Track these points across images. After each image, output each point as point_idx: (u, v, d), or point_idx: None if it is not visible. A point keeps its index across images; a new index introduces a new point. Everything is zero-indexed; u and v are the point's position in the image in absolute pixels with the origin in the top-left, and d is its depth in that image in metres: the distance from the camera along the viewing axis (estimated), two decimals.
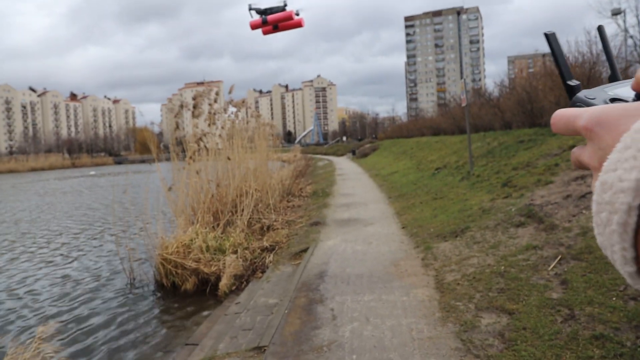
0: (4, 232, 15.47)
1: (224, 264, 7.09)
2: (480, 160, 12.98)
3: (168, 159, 9.74)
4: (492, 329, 3.93)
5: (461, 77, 13.02)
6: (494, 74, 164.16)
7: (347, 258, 6.82)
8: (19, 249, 12.30)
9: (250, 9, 4.93)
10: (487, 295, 4.60)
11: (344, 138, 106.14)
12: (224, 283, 6.75)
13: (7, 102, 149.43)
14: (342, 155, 52.64)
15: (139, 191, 22.58)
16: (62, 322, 6.46)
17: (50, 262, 10.60)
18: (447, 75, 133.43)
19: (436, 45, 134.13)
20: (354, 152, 46.15)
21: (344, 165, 32.65)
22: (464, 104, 12.99)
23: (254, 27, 4.53)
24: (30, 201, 28.16)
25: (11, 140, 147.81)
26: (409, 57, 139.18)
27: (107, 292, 8.00)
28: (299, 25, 4.92)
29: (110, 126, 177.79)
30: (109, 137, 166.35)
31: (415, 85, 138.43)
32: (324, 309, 4.91)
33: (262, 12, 4.63)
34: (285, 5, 4.79)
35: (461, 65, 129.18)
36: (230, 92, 11.94)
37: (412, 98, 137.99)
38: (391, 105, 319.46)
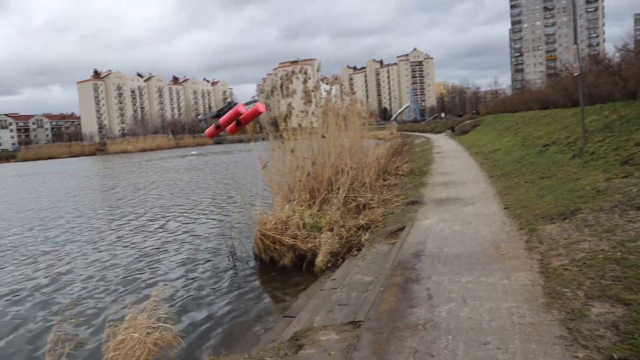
0: (135, 205, 17.38)
1: (320, 241, 7.37)
2: (595, 136, 11.99)
3: (264, 139, 10.21)
4: (604, 320, 3.72)
5: (574, 43, 11.93)
6: (615, 36, 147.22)
7: (445, 238, 6.76)
8: (142, 219, 13.74)
9: (199, 120, 4.83)
10: (599, 283, 4.35)
11: (442, 114, 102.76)
12: (320, 260, 7.02)
13: (119, 88, 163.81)
14: (440, 132, 51.15)
15: (238, 169, 23.95)
16: (173, 288, 7.18)
17: (165, 231, 12.02)
18: (558, 41, 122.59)
19: (545, 9, 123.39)
20: (453, 129, 44.58)
21: (442, 142, 31.77)
22: (576, 73, 12.01)
23: (210, 135, 4.47)
24: (151, 177, 31.09)
25: (123, 123, 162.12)
26: (513, 23, 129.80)
27: (211, 263, 8.76)
28: (257, 112, 4.71)
29: (209, 107, 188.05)
30: None
31: (521, 54, 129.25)
32: (419, 288, 4.96)
33: (215, 117, 4.46)
34: (231, 101, 4.56)
35: (575, 29, 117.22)
36: (318, 70, 12.05)
37: (517, 69, 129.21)
38: (493, 78, 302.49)
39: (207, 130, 4.59)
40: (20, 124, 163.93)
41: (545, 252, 5.47)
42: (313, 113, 10.25)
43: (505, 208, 8.25)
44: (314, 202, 8.99)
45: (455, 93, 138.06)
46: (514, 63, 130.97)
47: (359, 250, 7.19)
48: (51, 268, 9.35)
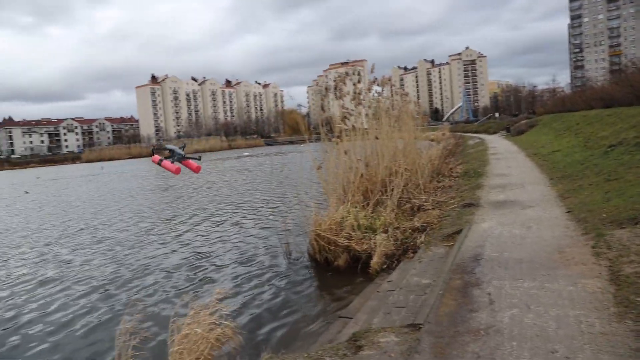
0: (193, 204, 18.09)
1: (375, 242, 7.34)
2: None
3: (316, 140, 10.27)
4: None
5: None
6: None
7: (504, 242, 6.57)
8: (201, 218, 14.19)
9: (153, 149, 4.81)
10: None
11: (496, 114, 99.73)
12: (375, 261, 7.00)
13: (175, 91, 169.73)
14: (494, 133, 49.65)
15: (292, 170, 24.28)
16: (232, 285, 7.37)
17: (223, 230, 12.45)
18: (623, 35, 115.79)
19: (609, 1, 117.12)
20: (508, 129, 43.17)
21: (497, 143, 30.84)
22: None
23: (154, 161, 4.46)
24: (207, 177, 32.11)
25: (178, 125, 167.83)
26: (573, 18, 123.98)
27: (267, 262, 8.94)
28: (192, 168, 4.90)
29: (261, 109, 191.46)
30: (260, 119, 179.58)
31: (581, 50, 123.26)
32: (480, 293, 4.84)
33: (171, 153, 4.51)
34: (182, 155, 4.63)
35: None
36: (372, 72, 12.01)
37: (577, 66, 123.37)
38: (551, 76, 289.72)
39: (153, 157, 4.73)
40: (85, 127, 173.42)
41: (615, 259, 5.21)
42: (367, 114, 10.23)
43: (568, 212, 7.91)
44: (368, 204, 8.97)
45: (509, 92, 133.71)
46: (573, 60, 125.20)
47: (414, 252, 7.11)
48: (117, 264, 9.81)
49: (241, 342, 4.50)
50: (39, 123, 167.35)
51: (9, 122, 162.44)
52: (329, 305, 6.50)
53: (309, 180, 9.99)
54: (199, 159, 5.15)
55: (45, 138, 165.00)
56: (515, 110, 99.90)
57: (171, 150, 4.83)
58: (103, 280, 8.72)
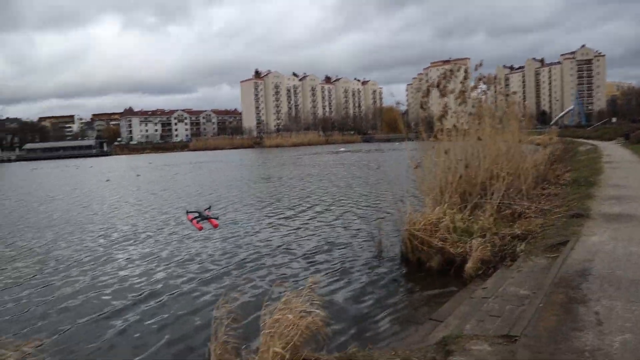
0: (291, 195, 19.10)
1: (471, 246, 7.07)
2: None
3: (414, 138, 10.10)
4: None
5: None
6: None
7: (617, 259, 6.00)
8: (298, 209, 14.67)
9: (187, 212, 6.46)
10: None
11: (613, 119, 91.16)
12: (470, 266, 6.74)
13: (276, 86, 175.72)
14: (609, 139, 45.33)
15: (389, 168, 24.21)
16: (324, 277, 7.52)
17: (318, 222, 12.89)
18: None
19: None
20: (626, 136, 39.14)
21: (613, 151, 28.19)
22: None
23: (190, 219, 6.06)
24: (306, 170, 33.16)
25: (278, 119, 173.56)
26: None
27: (359, 257, 9.00)
28: (214, 226, 6.66)
29: (359, 106, 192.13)
30: (358, 116, 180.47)
31: None
32: (586, 311, 4.47)
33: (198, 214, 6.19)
34: (206, 215, 6.37)
35: None
36: (476, 69, 11.48)
37: None
38: None
39: (187, 216, 6.49)
40: (193, 118, 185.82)
41: None
42: (470, 113, 9.84)
43: None
44: (466, 206, 8.65)
45: (631, 95, 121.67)
46: None
47: (513, 260, 6.74)
48: (219, 249, 10.41)
49: (329, 332, 4.54)
50: (154, 113, 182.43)
51: (129, 112, 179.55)
52: (418, 306, 6.39)
53: (405, 179, 9.85)
54: (217, 218, 6.60)
55: (159, 127, 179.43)
56: (637, 116, 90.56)
57: (199, 213, 6.16)
58: (206, 262, 9.30)
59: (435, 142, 9.59)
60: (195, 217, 6.10)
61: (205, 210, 6.47)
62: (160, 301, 7.21)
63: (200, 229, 6.04)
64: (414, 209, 8.54)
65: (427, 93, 9.69)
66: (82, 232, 13.02)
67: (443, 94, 9.31)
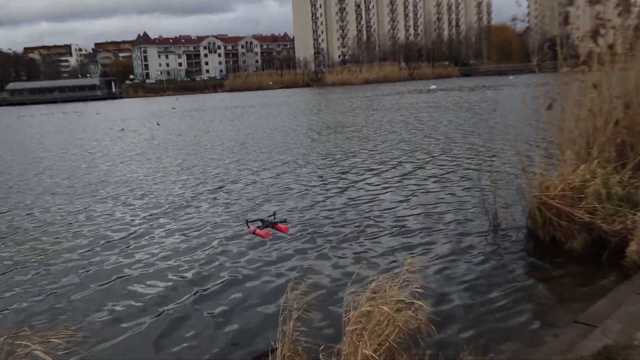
0: (370, 148, 19.36)
1: (635, 222, 6.76)
2: None
3: (539, 69, 9.64)
4: None
5: None
6: None
7: None
8: (384, 165, 14.75)
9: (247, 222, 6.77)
10: None
11: None
12: (633, 250, 6.47)
13: (341, 1, 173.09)
14: None
15: (507, 111, 23.57)
16: (422, 257, 7.54)
17: (411, 185, 13.16)
18: None
19: None
20: None
21: None
22: None
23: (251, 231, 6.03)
24: (386, 115, 33.16)
25: (343, 47, 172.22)
26: None
27: (468, 232, 8.96)
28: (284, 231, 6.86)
29: (457, 26, 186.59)
30: (455, 40, 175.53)
31: None
32: None
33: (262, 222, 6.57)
34: (273, 221, 6.66)
35: None
36: None
37: None
38: None
39: (249, 229, 6.45)
40: (229, 47, 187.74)
41: None
42: (637, 28, 9.23)
43: None
44: (625, 165, 8.23)
45: None
46: None
47: None
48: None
49: (433, 331, 4.53)
50: (176, 41, 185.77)
51: (143, 40, 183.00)
52: (557, 304, 6.24)
53: (531, 127, 9.49)
54: (285, 221, 6.89)
55: (183, 60, 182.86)
56: None
57: (262, 220, 6.65)
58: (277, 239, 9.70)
59: (580, 73, 9.10)
60: (259, 227, 6.42)
61: (269, 217, 6.75)
62: (210, 286, 7.52)
63: (267, 235, 6.31)
64: (546, 169, 8.34)
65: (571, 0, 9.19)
66: (105, 201, 13.68)
67: (595, 1, 8.77)
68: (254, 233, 6.25)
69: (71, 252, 9.41)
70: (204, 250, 9.03)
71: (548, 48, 9.61)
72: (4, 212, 12.97)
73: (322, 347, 4.50)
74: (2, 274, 8.51)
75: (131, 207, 12.61)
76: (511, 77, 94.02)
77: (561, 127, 9.02)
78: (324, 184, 14.04)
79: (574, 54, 9.45)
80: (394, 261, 7.65)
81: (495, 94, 47.27)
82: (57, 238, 10.39)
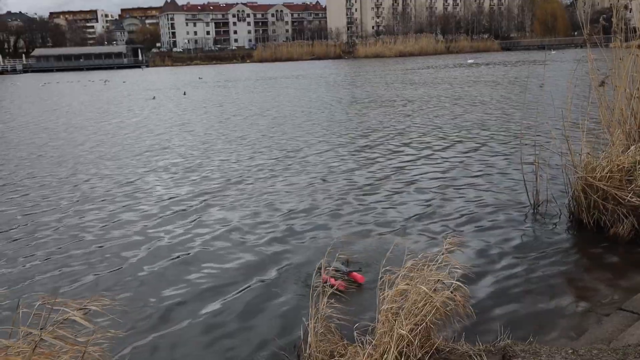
0: (421, 122, 19.49)
1: None
2: None
3: (591, 44, 9.41)
4: None
5: None
6: None
7: None
8: (420, 140, 14.71)
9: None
10: None
11: None
12: None
13: None
14: None
15: (553, 87, 23.28)
16: (461, 236, 7.45)
17: (447, 158, 13.46)
18: None
19: None
20: None
21: None
22: None
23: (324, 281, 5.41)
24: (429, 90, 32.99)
25: (378, 17, 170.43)
26: None
27: (507, 213, 8.93)
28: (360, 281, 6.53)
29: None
30: (496, 12, 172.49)
31: None
32: None
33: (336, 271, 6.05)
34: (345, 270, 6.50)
35: None
36: None
37: None
38: None
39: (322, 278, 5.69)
40: (258, 16, 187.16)
41: None
42: None
43: None
44: None
45: None
46: None
47: None
48: (316, 193, 10.95)
49: (471, 313, 4.52)
50: (204, 8, 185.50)
51: (171, 6, 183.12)
52: (600, 290, 6.15)
53: (579, 104, 9.30)
54: (360, 270, 6.61)
55: (212, 28, 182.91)
56: None
57: (335, 268, 6.12)
58: (298, 204, 9.99)
59: (635, 48, 8.88)
60: (333, 277, 6.30)
61: (343, 263, 6.66)
62: (244, 256, 7.67)
63: (344, 287, 6.18)
64: (593, 148, 8.20)
65: None
66: (156, 172, 13.78)
67: None
68: (326, 282, 6.13)
69: (130, 224, 9.47)
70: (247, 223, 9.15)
71: (604, 20, 9.33)
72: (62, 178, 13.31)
73: (356, 325, 4.53)
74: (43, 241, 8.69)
75: (184, 180, 12.63)
76: (553, 52, 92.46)
77: (612, 105, 8.84)
78: (355, 157, 14.18)
79: (629, 28, 9.22)
80: (432, 239, 7.71)
81: (541, 69, 46.40)
82: (118, 207, 10.58)
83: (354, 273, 6.51)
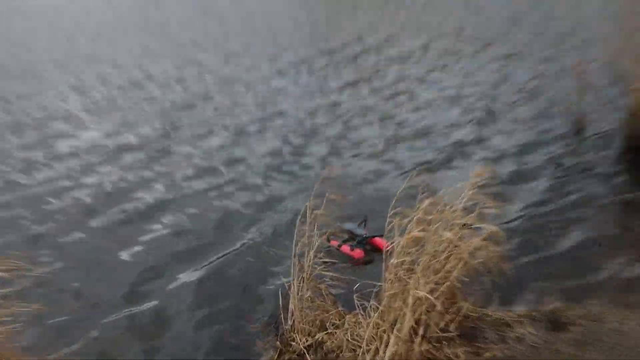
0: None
1: None
2: None
3: None
4: None
5: None
6: None
7: None
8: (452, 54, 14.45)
9: (328, 238, 5.28)
10: None
11: None
12: None
13: None
14: None
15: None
16: (491, 164, 6.82)
17: (458, 79, 12.17)
18: None
19: None
20: None
21: None
22: None
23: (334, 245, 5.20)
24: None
25: None
26: None
27: (544, 137, 8.10)
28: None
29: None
30: None
31: None
32: None
33: (350, 235, 5.36)
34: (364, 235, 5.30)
35: None
36: None
37: None
38: None
39: (331, 242, 5.27)
40: None
41: None
42: None
43: None
44: None
45: None
46: None
47: None
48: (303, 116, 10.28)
49: (507, 269, 3.52)
50: None
51: None
52: None
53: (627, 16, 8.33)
54: (382, 236, 5.25)
55: None
56: None
57: (350, 231, 5.50)
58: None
59: None
60: (347, 241, 5.21)
61: (359, 224, 5.49)
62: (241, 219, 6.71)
63: (361, 256, 5.21)
64: None
65: None
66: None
67: None
68: (338, 250, 5.11)
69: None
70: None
71: None
72: None
73: (356, 285, 3.54)
74: None
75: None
76: None
77: None
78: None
79: None
80: (455, 168, 6.85)
81: None
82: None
83: (376, 238, 5.49)
